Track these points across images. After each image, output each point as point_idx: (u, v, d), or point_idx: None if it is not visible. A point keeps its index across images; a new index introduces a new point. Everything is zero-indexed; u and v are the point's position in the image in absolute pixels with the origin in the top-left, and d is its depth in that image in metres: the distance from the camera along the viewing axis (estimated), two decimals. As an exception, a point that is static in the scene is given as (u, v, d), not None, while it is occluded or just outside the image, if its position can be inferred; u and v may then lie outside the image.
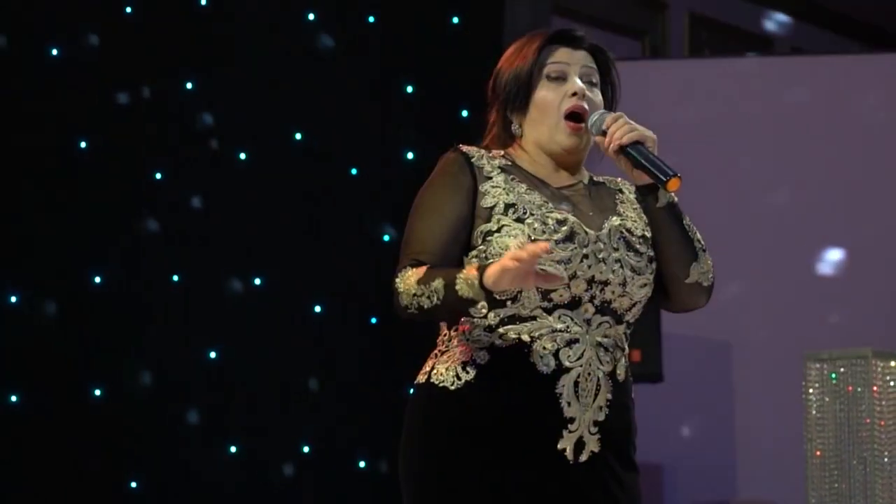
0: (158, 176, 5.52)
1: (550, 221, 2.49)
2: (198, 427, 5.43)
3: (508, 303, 2.46)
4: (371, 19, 5.51)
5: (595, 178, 2.69)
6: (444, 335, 2.56)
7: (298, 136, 5.52)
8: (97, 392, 5.44)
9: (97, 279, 5.46)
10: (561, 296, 2.47)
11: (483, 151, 2.59)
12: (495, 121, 2.65)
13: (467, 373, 2.48)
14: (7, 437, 5.33)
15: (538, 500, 2.47)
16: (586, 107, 2.59)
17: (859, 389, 4.63)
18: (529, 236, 2.46)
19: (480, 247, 2.48)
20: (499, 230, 2.47)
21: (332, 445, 5.41)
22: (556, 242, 2.47)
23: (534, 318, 2.47)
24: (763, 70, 7.30)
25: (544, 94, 2.60)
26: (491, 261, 2.41)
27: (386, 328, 5.42)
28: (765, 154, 6.99)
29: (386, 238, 5.38)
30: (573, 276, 2.47)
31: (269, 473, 5.43)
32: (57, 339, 5.45)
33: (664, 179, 2.51)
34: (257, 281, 5.47)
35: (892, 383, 4.66)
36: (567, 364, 2.48)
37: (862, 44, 9.43)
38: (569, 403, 2.47)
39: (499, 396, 2.47)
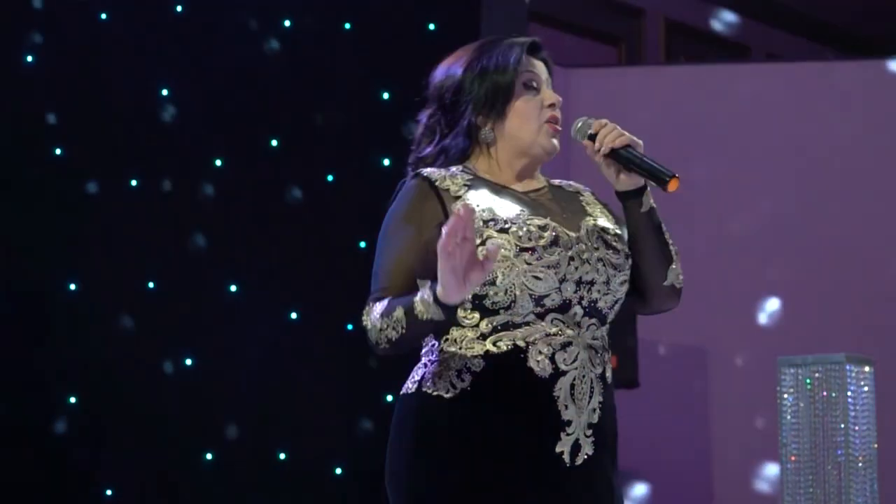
0: (134, 183, 5.53)
1: (533, 228, 2.50)
2: (173, 434, 5.43)
3: (501, 311, 2.48)
4: (347, 26, 5.53)
5: (552, 182, 2.72)
6: (432, 344, 2.55)
7: (274, 142, 5.53)
8: (72, 399, 5.44)
9: (72, 286, 5.46)
10: (553, 300, 2.49)
11: (444, 172, 2.57)
12: (457, 124, 2.64)
13: (462, 381, 2.48)
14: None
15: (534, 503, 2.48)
16: (559, 116, 2.67)
17: (834, 394, 4.65)
18: (517, 245, 2.47)
19: None
20: (483, 243, 2.46)
21: (308, 452, 5.41)
22: (544, 247, 2.49)
23: (527, 323, 2.48)
24: (739, 76, 7.35)
25: (523, 102, 2.64)
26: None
27: (361, 335, 5.42)
28: (741, 160, 7.02)
29: (362, 245, 5.39)
30: (563, 280, 2.49)
31: (245, 480, 5.43)
32: (30, 347, 5.45)
33: (666, 180, 2.55)
34: (233, 288, 5.48)
35: (865, 388, 4.68)
36: (563, 367, 2.49)
37: (837, 50, 9.49)
38: (566, 406, 2.48)
39: (497, 403, 2.47)
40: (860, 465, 4.62)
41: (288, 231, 5.49)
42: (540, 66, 2.70)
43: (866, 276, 6.88)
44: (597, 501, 2.54)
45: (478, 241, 2.44)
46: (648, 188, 2.63)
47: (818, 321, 6.80)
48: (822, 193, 6.98)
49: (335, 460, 5.36)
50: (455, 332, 2.51)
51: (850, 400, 4.61)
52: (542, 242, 2.49)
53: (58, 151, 5.52)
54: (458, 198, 2.52)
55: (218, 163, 5.52)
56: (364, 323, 2.49)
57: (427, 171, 2.58)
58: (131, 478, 5.41)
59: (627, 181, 2.62)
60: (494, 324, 2.48)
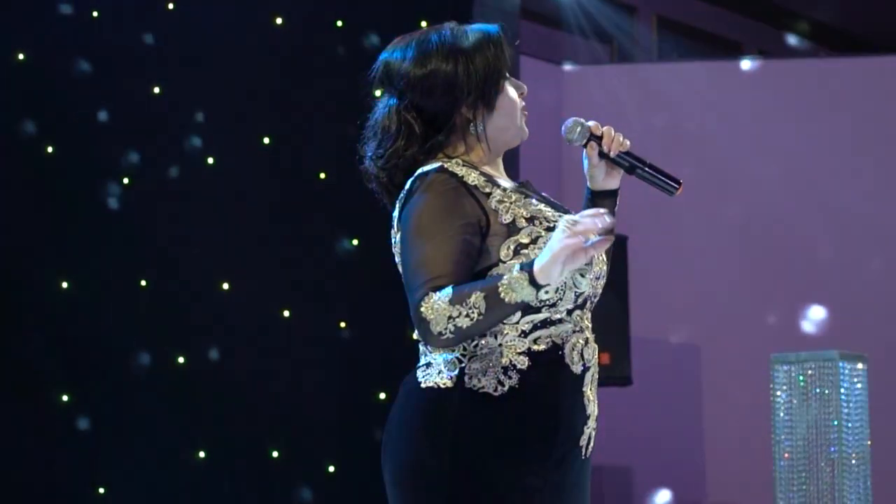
0: (126, 181, 5.52)
1: None
2: (166, 432, 5.42)
3: (544, 309, 2.47)
4: (339, 24, 5.52)
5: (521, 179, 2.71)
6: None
7: (266, 140, 5.52)
8: (64, 398, 5.42)
9: (64, 284, 5.45)
10: (583, 296, 2.51)
11: (459, 167, 2.51)
12: (448, 120, 2.56)
13: (510, 378, 2.45)
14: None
15: (564, 497, 2.50)
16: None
17: (827, 392, 4.64)
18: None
19: (513, 260, 2.44)
20: (534, 241, 2.45)
21: (300, 450, 5.40)
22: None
23: (560, 321, 2.49)
24: (730, 73, 7.34)
25: (506, 96, 2.60)
26: (532, 257, 2.37)
27: (352, 332, 5.42)
28: (731, 155, 7.02)
29: (354, 242, 5.38)
30: (592, 277, 2.52)
31: (238, 478, 5.42)
32: (27, 345, 5.44)
33: (676, 186, 2.59)
34: (225, 286, 5.47)
35: (858, 385, 4.67)
36: (587, 363, 2.52)
37: (828, 48, 9.49)
38: (588, 401, 2.52)
39: (543, 400, 2.47)
40: (853, 462, 4.61)
41: (280, 229, 5.48)
42: None
43: (859, 273, 6.87)
44: (588, 489, 2.59)
45: (526, 240, 2.45)
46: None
47: (813, 318, 6.79)
48: (813, 188, 6.97)
49: (327, 458, 5.35)
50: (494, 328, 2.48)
51: (843, 397, 4.60)
52: None
53: (49, 149, 5.50)
54: (488, 194, 2.47)
55: (210, 161, 5.51)
56: (423, 314, 2.35)
57: (448, 166, 2.50)
58: (125, 476, 5.40)
59: (611, 183, 2.67)
60: (534, 321, 2.47)
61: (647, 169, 2.60)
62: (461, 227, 2.43)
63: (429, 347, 2.46)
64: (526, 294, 2.32)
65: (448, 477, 2.45)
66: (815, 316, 6.78)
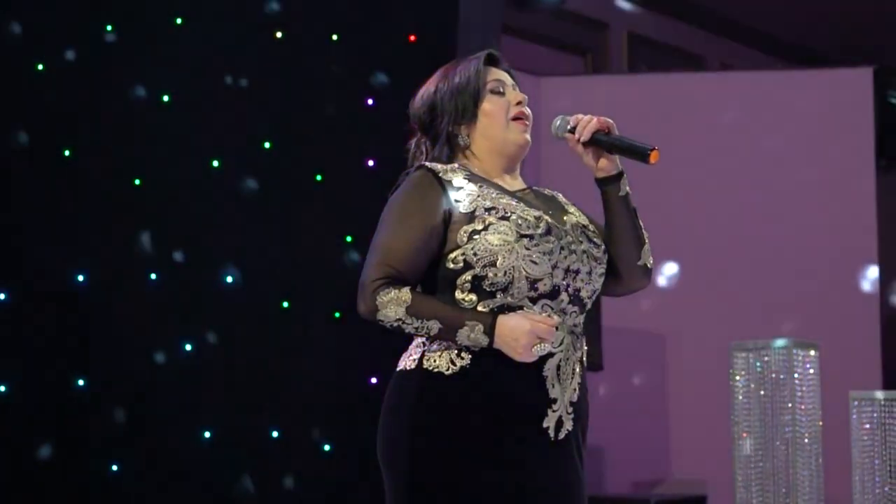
0: (137, 182, 5.51)
1: (530, 218, 2.53)
2: (174, 414, 5.41)
3: (499, 293, 2.49)
4: (335, 37, 5.51)
5: (531, 186, 2.76)
6: None
7: (267, 144, 5.51)
8: (80, 382, 5.41)
9: (80, 277, 5.44)
10: (545, 285, 2.51)
11: (446, 166, 2.61)
12: (438, 137, 2.70)
13: (462, 358, 2.49)
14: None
15: (525, 475, 2.49)
16: (528, 112, 2.74)
17: (782, 377, 4.65)
18: (517, 231, 2.49)
19: (467, 245, 2.49)
20: (486, 228, 2.49)
21: (299, 430, 5.40)
22: (540, 235, 2.52)
23: (521, 307, 2.49)
24: (694, 84, 7.36)
25: (490, 105, 2.70)
26: (498, 309, 2.48)
27: (348, 322, 5.41)
28: (696, 162, 7.03)
29: (348, 239, 5.38)
30: (555, 267, 2.52)
31: (241, 456, 5.41)
32: (42, 333, 5.43)
33: (647, 153, 2.56)
34: (229, 279, 5.46)
35: (811, 370, 4.69)
36: (553, 350, 2.51)
37: (785, 61, 9.51)
38: (553, 386, 2.51)
39: (493, 379, 2.48)
40: (806, 441, 4.63)
41: (281, 226, 5.47)
42: (504, 75, 2.76)
43: (813, 270, 6.90)
44: (573, 472, 2.57)
45: (480, 227, 2.50)
46: (625, 175, 2.67)
47: (769, 309, 6.81)
48: (771, 193, 6.99)
49: (324, 438, 5.34)
50: None
51: (796, 381, 4.61)
52: (538, 231, 2.51)
53: (66, 153, 5.49)
54: (460, 188, 2.55)
55: (215, 164, 5.50)
56: (378, 302, 2.47)
57: (430, 164, 2.61)
58: (136, 454, 5.39)
59: (607, 167, 2.67)
60: (491, 306, 2.49)
61: (617, 143, 2.61)
62: (424, 222, 2.51)
63: (360, 308, 2.51)
64: (477, 344, 2.46)
65: (409, 451, 2.49)
66: (770, 308, 6.80)
